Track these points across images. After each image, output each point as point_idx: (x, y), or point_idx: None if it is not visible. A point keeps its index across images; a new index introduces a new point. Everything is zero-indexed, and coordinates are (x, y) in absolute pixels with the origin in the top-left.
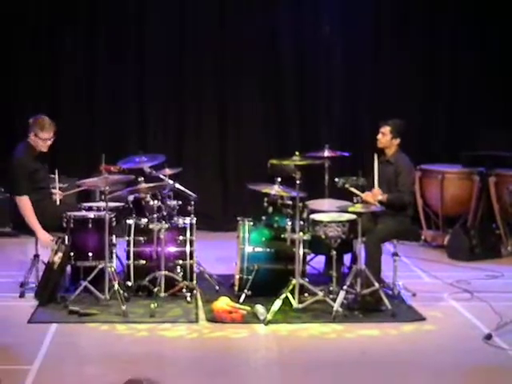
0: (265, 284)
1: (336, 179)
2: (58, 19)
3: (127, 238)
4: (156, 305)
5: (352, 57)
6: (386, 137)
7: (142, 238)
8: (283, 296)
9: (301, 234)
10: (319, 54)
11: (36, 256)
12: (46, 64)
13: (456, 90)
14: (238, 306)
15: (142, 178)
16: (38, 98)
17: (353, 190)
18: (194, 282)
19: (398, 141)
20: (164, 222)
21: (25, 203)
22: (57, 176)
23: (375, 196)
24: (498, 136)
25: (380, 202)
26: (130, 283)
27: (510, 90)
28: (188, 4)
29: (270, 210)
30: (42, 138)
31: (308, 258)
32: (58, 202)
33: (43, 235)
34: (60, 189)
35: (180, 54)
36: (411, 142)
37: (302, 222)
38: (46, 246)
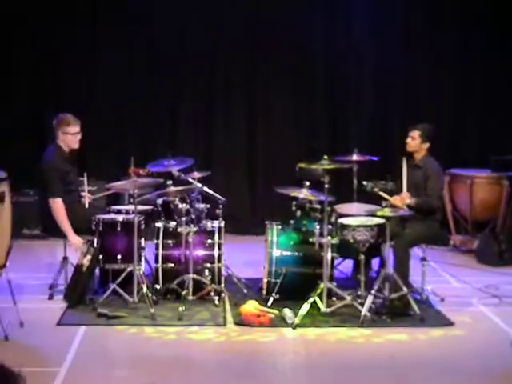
0: (293, 288)
1: (364, 183)
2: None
3: (156, 241)
4: (184, 308)
5: (382, 58)
6: (415, 141)
7: (170, 241)
8: (311, 300)
9: (329, 238)
10: (349, 56)
11: (65, 258)
12: (83, 63)
13: (487, 93)
14: (265, 309)
15: (171, 182)
16: (68, 98)
17: (381, 193)
18: (222, 285)
19: (427, 145)
20: (192, 225)
21: (58, 206)
22: (86, 179)
23: (403, 200)
24: None
25: (408, 206)
26: (158, 286)
27: None
28: (225, 3)
29: (299, 213)
30: (72, 133)
31: (336, 262)
32: (87, 205)
33: (74, 238)
34: (89, 192)
35: (211, 55)
36: (441, 145)
37: (330, 226)
38: (77, 249)
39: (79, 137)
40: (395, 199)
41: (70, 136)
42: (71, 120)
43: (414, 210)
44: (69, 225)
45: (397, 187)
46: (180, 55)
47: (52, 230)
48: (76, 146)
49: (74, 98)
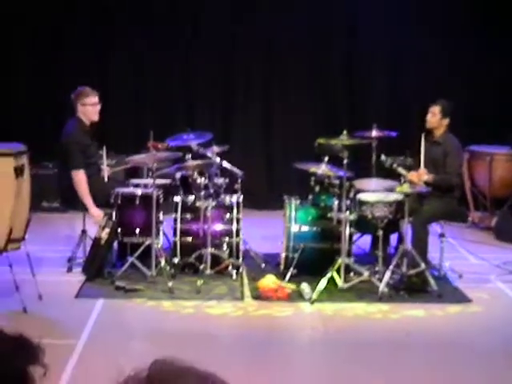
0: (310, 263)
1: (383, 158)
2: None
3: (174, 215)
4: (202, 282)
5: (398, 32)
6: (435, 117)
7: (188, 216)
8: (329, 275)
9: (347, 213)
10: (366, 30)
11: (84, 231)
12: (99, 39)
13: (506, 69)
14: (283, 284)
15: (190, 156)
16: (88, 73)
17: (399, 169)
18: (240, 259)
19: (446, 121)
20: (211, 199)
21: (81, 178)
22: (105, 152)
23: (420, 176)
24: None
25: (426, 183)
26: (176, 260)
27: None
28: None
29: (317, 189)
30: (91, 103)
31: (354, 237)
32: (106, 179)
33: (96, 211)
34: (108, 165)
35: (231, 36)
36: (460, 121)
37: (348, 202)
38: (96, 222)
39: (99, 107)
40: (412, 175)
41: (89, 107)
42: (89, 91)
43: (431, 186)
44: (90, 197)
45: (415, 163)
46: (198, 33)
47: (71, 203)
48: (96, 117)
49: (92, 71)
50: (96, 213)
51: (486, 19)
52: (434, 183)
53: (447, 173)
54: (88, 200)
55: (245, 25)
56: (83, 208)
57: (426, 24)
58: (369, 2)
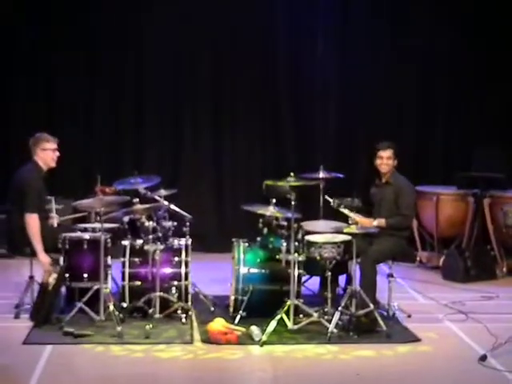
0: (260, 305)
1: (329, 199)
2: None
3: (122, 259)
4: (151, 326)
5: (346, 71)
6: (390, 160)
7: (137, 259)
8: (278, 317)
9: (296, 255)
10: (314, 69)
11: (31, 277)
12: (40, 86)
13: (451, 112)
14: (233, 327)
15: (137, 199)
16: (32, 121)
17: (345, 211)
18: (189, 303)
19: (395, 162)
20: (159, 243)
21: (34, 220)
22: (53, 200)
23: (370, 223)
24: (492, 155)
25: (380, 227)
26: (125, 304)
27: (506, 109)
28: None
29: (265, 230)
30: (52, 149)
31: (303, 279)
32: (55, 225)
33: (44, 257)
34: (56, 211)
35: (174, 79)
36: (406, 162)
37: (296, 243)
38: (45, 268)
39: (57, 154)
40: (362, 220)
41: (49, 152)
42: (49, 137)
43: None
44: (41, 242)
45: (363, 205)
46: (146, 78)
47: (17, 249)
48: (54, 163)
49: (34, 119)
50: (44, 258)
51: (432, 56)
52: (390, 228)
53: (403, 214)
54: (39, 245)
55: (189, 69)
56: (30, 254)
57: (375, 62)
58: (313, 41)
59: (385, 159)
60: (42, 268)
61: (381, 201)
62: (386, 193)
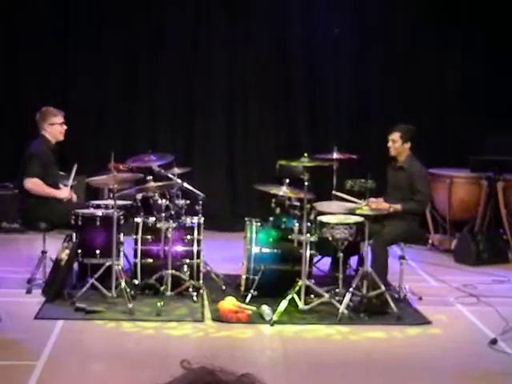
0: (271, 285)
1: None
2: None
3: (135, 237)
4: (162, 303)
5: (357, 56)
6: (396, 143)
7: (149, 237)
8: (289, 297)
9: (308, 235)
10: (327, 55)
11: (43, 252)
12: (55, 61)
13: (465, 92)
14: (243, 306)
15: (151, 177)
16: (44, 96)
17: (353, 199)
18: (201, 281)
19: (408, 145)
20: (172, 221)
21: (35, 182)
22: (74, 171)
23: (380, 205)
24: (506, 140)
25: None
26: (136, 281)
27: None
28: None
29: (278, 210)
30: (59, 123)
31: (314, 259)
32: (74, 199)
33: (62, 193)
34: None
35: (191, 54)
36: (419, 145)
37: (309, 224)
38: (68, 198)
39: (65, 127)
40: (372, 202)
41: (57, 126)
42: (56, 111)
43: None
44: (52, 189)
45: (377, 185)
46: (162, 55)
47: (31, 224)
48: (62, 137)
49: (51, 93)
50: (63, 194)
51: (446, 44)
52: (405, 212)
53: (419, 201)
54: (51, 191)
55: (206, 51)
56: (43, 229)
57: (388, 49)
58: (331, 28)
59: (390, 142)
60: (65, 199)
61: (395, 185)
62: (401, 178)
